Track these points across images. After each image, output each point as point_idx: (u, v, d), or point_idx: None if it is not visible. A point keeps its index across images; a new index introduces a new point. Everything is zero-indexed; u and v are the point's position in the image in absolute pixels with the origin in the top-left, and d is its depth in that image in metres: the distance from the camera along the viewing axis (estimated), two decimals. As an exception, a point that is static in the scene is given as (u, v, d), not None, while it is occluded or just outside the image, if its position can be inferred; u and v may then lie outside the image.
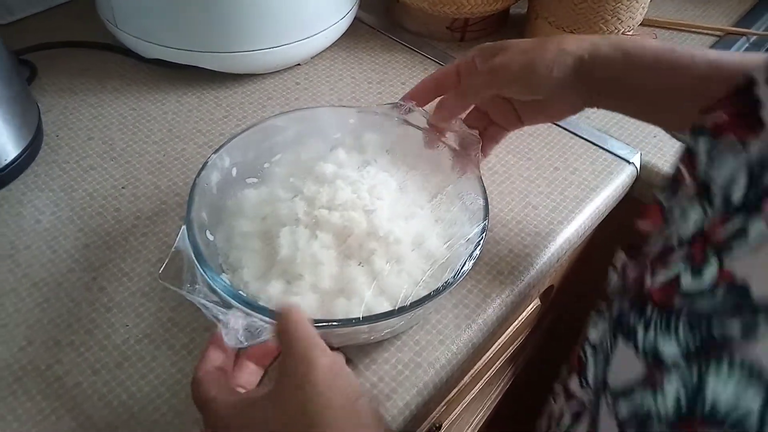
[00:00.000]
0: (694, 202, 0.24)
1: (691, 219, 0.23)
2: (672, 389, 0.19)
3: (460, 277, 0.37)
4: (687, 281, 0.20)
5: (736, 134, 0.23)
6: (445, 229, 0.43)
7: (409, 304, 0.36)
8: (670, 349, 0.19)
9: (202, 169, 0.42)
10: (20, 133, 0.51)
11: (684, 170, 0.27)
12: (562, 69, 0.40)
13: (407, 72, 0.66)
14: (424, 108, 0.47)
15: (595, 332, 0.30)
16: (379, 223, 0.41)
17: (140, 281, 0.44)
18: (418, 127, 0.47)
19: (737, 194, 0.21)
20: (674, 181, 0.28)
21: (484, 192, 0.43)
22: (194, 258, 0.36)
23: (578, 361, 0.31)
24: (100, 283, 0.44)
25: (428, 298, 0.36)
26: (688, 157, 0.27)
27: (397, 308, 0.36)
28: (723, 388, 0.17)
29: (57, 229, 0.47)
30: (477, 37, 0.71)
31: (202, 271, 0.35)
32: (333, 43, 0.65)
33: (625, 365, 0.22)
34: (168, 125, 0.57)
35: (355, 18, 0.68)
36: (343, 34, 0.66)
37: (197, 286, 0.35)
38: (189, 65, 0.59)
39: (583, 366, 0.30)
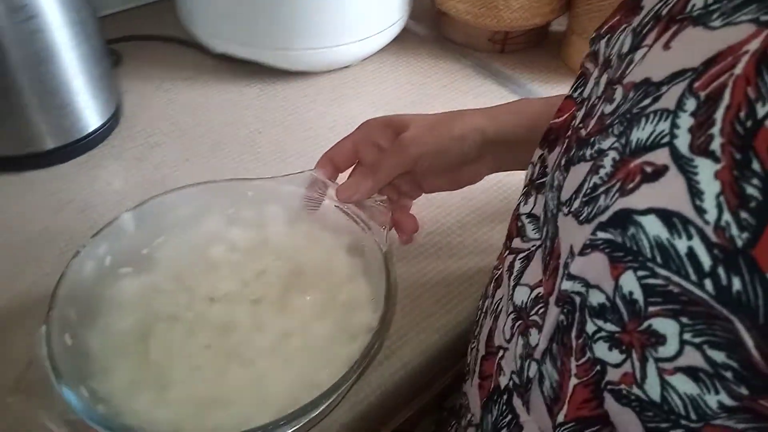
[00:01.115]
0: (601, 72, 0.28)
1: (601, 83, 0.27)
2: (609, 159, 0.23)
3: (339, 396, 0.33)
4: (608, 108, 0.24)
5: (626, 21, 0.27)
6: (343, 316, 0.39)
7: (290, 413, 0.31)
8: (608, 142, 0.23)
9: (73, 258, 0.37)
10: (103, 108, 0.59)
11: (589, 64, 0.30)
12: (471, 144, 0.42)
13: (448, 77, 0.71)
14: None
15: (528, 206, 0.34)
16: (266, 316, 0.37)
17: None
18: (321, 198, 0.44)
19: (626, 48, 0.25)
20: (581, 76, 0.31)
21: (388, 272, 0.38)
22: (49, 368, 0.31)
23: (516, 228, 0.34)
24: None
25: (311, 406, 0.32)
26: (590, 55, 0.30)
27: (278, 420, 0.31)
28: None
29: (124, 192, 0.54)
30: (516, 49, 0.76)
31: (55, 383, 0.31)
32: (381, 49, 0.71)
33: (576, 176, 0.25)
34: (229, 112, 0.64)
35: (403, 27, 0.73)
36: (392, 41, 0.72)
37: (51, 402, 0.31)
38: (251, 60, 0.66)
39: (522, 228, 0.34)
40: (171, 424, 0.33)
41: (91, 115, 0.58)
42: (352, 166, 0.46)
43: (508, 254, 0.35)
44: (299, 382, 0.36)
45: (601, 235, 0.22)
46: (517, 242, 0.34)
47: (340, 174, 0.46)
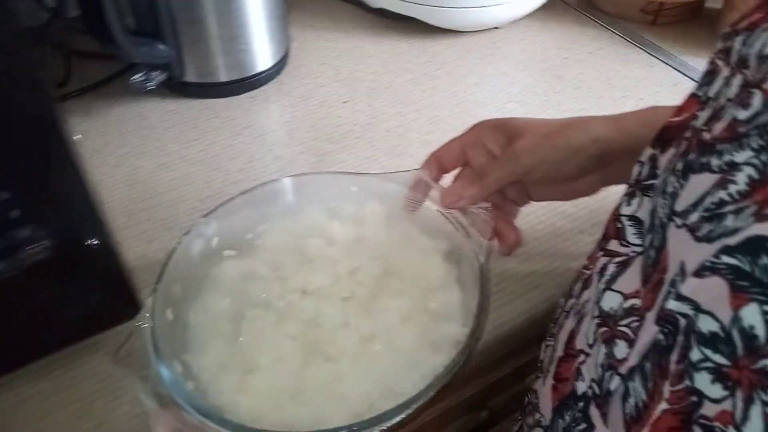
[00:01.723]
0: (733, 72, 0.25)
1: (733, 85, 0.25)
2: (743, 175, 0.21)
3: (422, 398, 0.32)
4: (743, 114, 0.22)
5: None
6: (431, 325, 0.38)
7: (366, 419, 0.31)
8: (743, 155, 0.21)
9: (184, 236, 0.39)
10: (275, 50, 0.65)
11: (719, 61, 0.27)
12: (588, 157, 0.39)
13: (595, 44, 0.72)
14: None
15: (631, 207, 0.32)
16: (353, 315, 0.37)
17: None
18: (423, 199, 0.43)
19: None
20: (709, 73, 0.28)
21: (483, 286, 0.37)
22: (149, 347, 0.33)
23: (615, 229, 0.32)
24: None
25: (387, 416, 0.32)
26: (722, 51, 0.27)
27: (353, 425, 0.31)
28: None
29: (294, 122, 0.61)
30: (669, 22, 0.75)
31: (153, 360, 0.33)
32: (530, 13, 0.73)
33: (696, 187, 0.23)
34: (382, 62, 0.69)
35: (552, -8, 0.75)
36: (541, 6, 0.73)
37: (148, 372, 0.32)
38: (405, 16, 0.70)
39: (621, 231, 0.32)
40: (250, 412, 0.33)
41: (264, 55, 0.64)
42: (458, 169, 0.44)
43: (602, 256, 0.32)
44: (377, 387, 0.35)
45: (725, 259, 0.21)
46: (614, 244, 0.32)
47: (445, 175, 0.44)
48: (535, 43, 0.73)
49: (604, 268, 0.31)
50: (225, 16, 0.59)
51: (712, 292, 0.21)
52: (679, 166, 0.26)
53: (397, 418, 0.32)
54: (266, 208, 0.43)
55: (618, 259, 0.31)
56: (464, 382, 0.52)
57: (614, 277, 0.30)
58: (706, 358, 0.21)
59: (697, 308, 0.22)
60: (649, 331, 0.25)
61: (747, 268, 0.19)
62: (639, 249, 0.30)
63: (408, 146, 0.59)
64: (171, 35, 0.58)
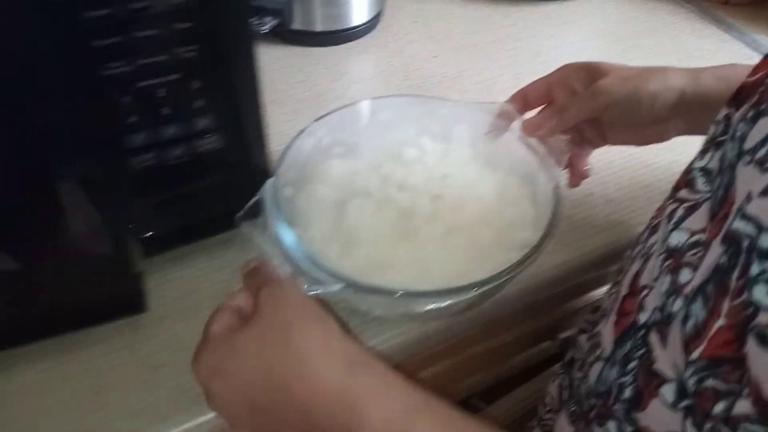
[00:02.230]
0: None
1: None
2: None
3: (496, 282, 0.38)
4: None
5: None
6: (506, 230, 0.44)
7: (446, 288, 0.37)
8: None
9: (299, 134, 0.46)
10: (371, 6, 0.71)
11: None
12: (664, 103, 0.41)
13: (669, 18, 0.76)
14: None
15: (704, 161, 0.33)
16: (441, 211, 0.43)
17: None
18: (506, 128, 0.48)
19: None
20: None
21: (556, 201, 0.42)
22: (272, 210, 0.40)
23: (686, 180, 0.34)
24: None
25: (463, 289, 0.37)
26: None
27: (437, 290, 0.37)
28: None
29: (389, 72, 0.67)
30: (741, 3, 0.78)
31: (276, 222, 0.39)
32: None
33: (764, 126, 0.25)
34: (468, 24, 0.75)
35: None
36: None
37: (267, 233, 0.39)
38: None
39: (692, 180, 0.34)
40: (352, 273, 0.39)
41: (361, 10, 0.70)
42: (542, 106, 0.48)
43: (672, 203, 0.34)
44: (456, 270, 0.41)
45: None
46: (683, 193, 0.34)
47: (529, 111, 0.49)
48: (613, 14, 0.77)
49: (672, 213, 0.33)
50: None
51: None
52: (750, 114, 0.27)
53: (469, 294, 0.37)
54: (369, 119, 0.50)
55: (687, 204, 0.32)
56: (534, 313, 0.57)
57: (683, 219, 0.32)
58: (764, 271, 0.22)
59: (760, 227, 0.23)
60: (714, 253, 0.26)
61: None
62: (707, 195, 0.31)
63: (494, 98, 0.63)
64: (286, -17, 0.64)
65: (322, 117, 0.48)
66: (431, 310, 0.39)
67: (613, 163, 0.56)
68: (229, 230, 0.42)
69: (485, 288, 0.38)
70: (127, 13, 0.31)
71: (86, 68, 0.32)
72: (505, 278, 0.39)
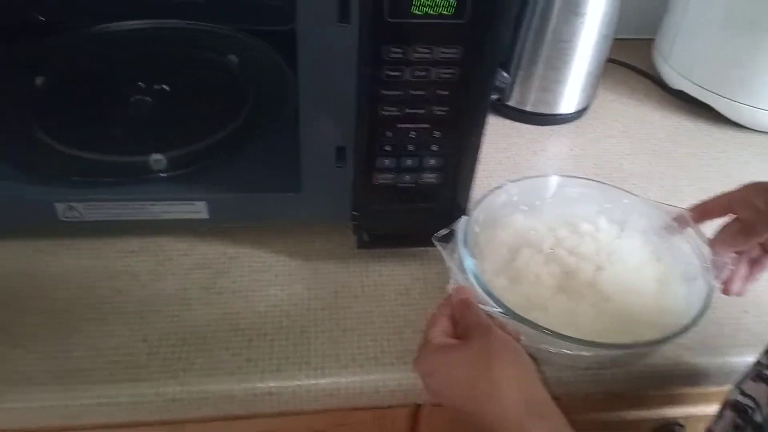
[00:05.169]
0: None
1: None
2: None
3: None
4: None
5: None
6: (657, 311, 0.50)
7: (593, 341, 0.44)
8: None
9: (496, 188, 0.57)
10: (581, 100, 0.80)
11: None
12: None
13: None
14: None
15: None
16: (600, 279, 0.51)
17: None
18: (679, 232, 0.54)
19: None
20: None
21: (707, 302, 0.47)
22: (461, 240, 0.51)
23: None
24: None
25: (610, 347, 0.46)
26: None
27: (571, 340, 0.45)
28: None
29: (582, 157, 0.75)
30: None
31: (462, 250, 0.50)
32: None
33: None
34: (667, 133, 0.81)
35: None
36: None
37: (454, 255, 0.51)
38: (699, 102, 0.80)
39: None
40: (512, 304, 0.47)
41: (571, 102, 0.80)
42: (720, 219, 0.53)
43: None
44: (600, 334, 0.47)
45: None
46: None
47: (705, 221, 0.54)
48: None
49: None
50: (557, 62, 0.76)
51: None
52: None
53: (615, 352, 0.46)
54: (556, 191, 0.60)
55: None
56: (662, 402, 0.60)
57: None
58: None
59: None
60: None
61: None
62: None
63: (676, 203, 0.67)
64: (514, 67, 0.76)
65: (517, 180, 0.58)
66: (566, 356, 0.47)
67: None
68: (423, 246, 0.53)
69: (626, 351, 0.46)
70: (410, 76, 0.45)
71: (374, 107, 0.46)
72: (643, 350, 0.46)
